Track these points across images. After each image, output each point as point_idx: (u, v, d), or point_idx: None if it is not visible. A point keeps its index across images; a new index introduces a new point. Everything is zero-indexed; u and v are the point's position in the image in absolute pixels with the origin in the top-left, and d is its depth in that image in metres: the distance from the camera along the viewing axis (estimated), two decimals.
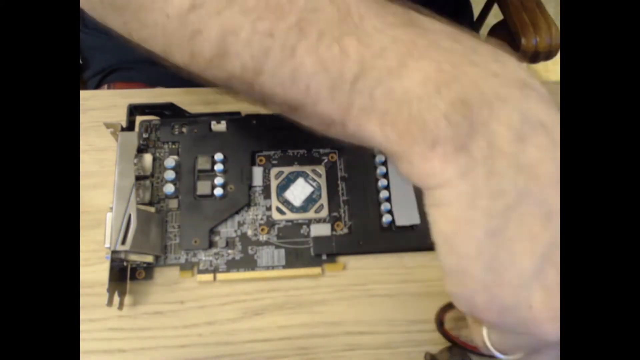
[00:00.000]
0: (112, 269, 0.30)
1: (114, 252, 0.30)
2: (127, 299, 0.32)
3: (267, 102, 0.23)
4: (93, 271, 0.30)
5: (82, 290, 0.32)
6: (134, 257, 0.31)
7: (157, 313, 0.32)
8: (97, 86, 0.50)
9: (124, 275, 0.32)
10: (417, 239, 0.34)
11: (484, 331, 0.24)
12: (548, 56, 0.55)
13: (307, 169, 0.36)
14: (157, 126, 0.36)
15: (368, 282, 0.34)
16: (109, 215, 0.31)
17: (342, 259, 0.34)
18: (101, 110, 0.37)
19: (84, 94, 0.38)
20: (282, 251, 0.34)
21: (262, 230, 0.34)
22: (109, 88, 0.50)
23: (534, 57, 0.55)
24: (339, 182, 0.36)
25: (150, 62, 0.26)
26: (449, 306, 0.31)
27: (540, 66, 0.56)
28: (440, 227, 0.20)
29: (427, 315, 0.33)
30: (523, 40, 0.54)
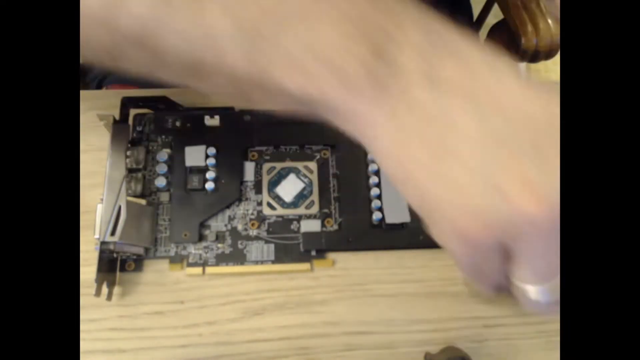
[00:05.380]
0: (100, 259, 0.30)
1: (102, 242, 0.30)
2: (116, 290, 0.32)
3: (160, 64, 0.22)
4: (93, 271, 0.30)
5: (82, 290, 0.32)
6: (122, 249, 0.31)
7: (157, 313, 0.32)
8: (95, 89, 0.51)
9: (114, 267, 0.32)
10: (407, 236, 0.34)
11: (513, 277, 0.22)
12: (548, 56, 0.55)
13: (299, 165, 0.36)
14: (150, 119, 0.36)
15: (368, 282, 0.34)
16: (99, 207, 0.31)
17: (331, 256, 0.34)
18: (101, 111, 0.37)
19: (84, 94, 0.38)
20: (272, 246, 0.34)
21: (252, 225, 0.34)
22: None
23: (534, 56, 0.55)
24: (331, 178, 0.36)
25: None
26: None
27: (541, 66, 0.56)
28: (392, 171, 0.21)
29: (427, 315, 0.33)
30: (523, 40, 0.53)
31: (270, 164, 0.36)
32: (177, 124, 0.36)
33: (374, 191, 0.35)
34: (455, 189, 0.20)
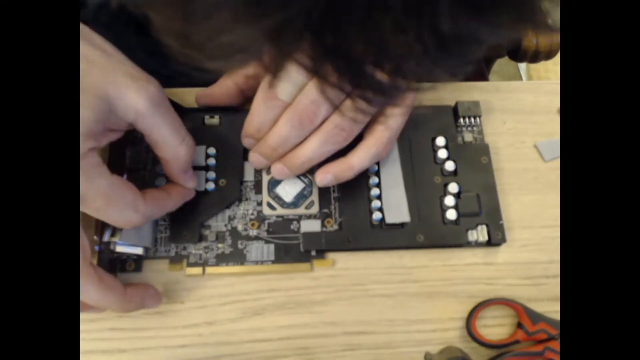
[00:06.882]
0: (100, 259, 0.30)
1: (102, 242, 0.30)
2: None
3: None
4: None
5: None
6: (123, 249, 0.31)
7: (157, 313, 0.32)
8: None
9: (114, 267, 0.32)
10: (406, 237, 0.34)
11: None
12: (548, 56, 0.55)
13: None
14: None
15: (368, 282, 0.34)
16: None
17: (331, 256, 0.34)
18: None
19: None
20: (272, 246, 0.34)
21: (252, 225, 0.34)
22: None
23: (534, 57, 0.55)
24: None
25: (148, 70, 0.27)
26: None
27: (540, 66, 0.56)
28: None
29: (427, 315, 0.33)
30: (523, 40, 0.53)
31: None
32: None
33: (374, 191, 0.35)
34: None
